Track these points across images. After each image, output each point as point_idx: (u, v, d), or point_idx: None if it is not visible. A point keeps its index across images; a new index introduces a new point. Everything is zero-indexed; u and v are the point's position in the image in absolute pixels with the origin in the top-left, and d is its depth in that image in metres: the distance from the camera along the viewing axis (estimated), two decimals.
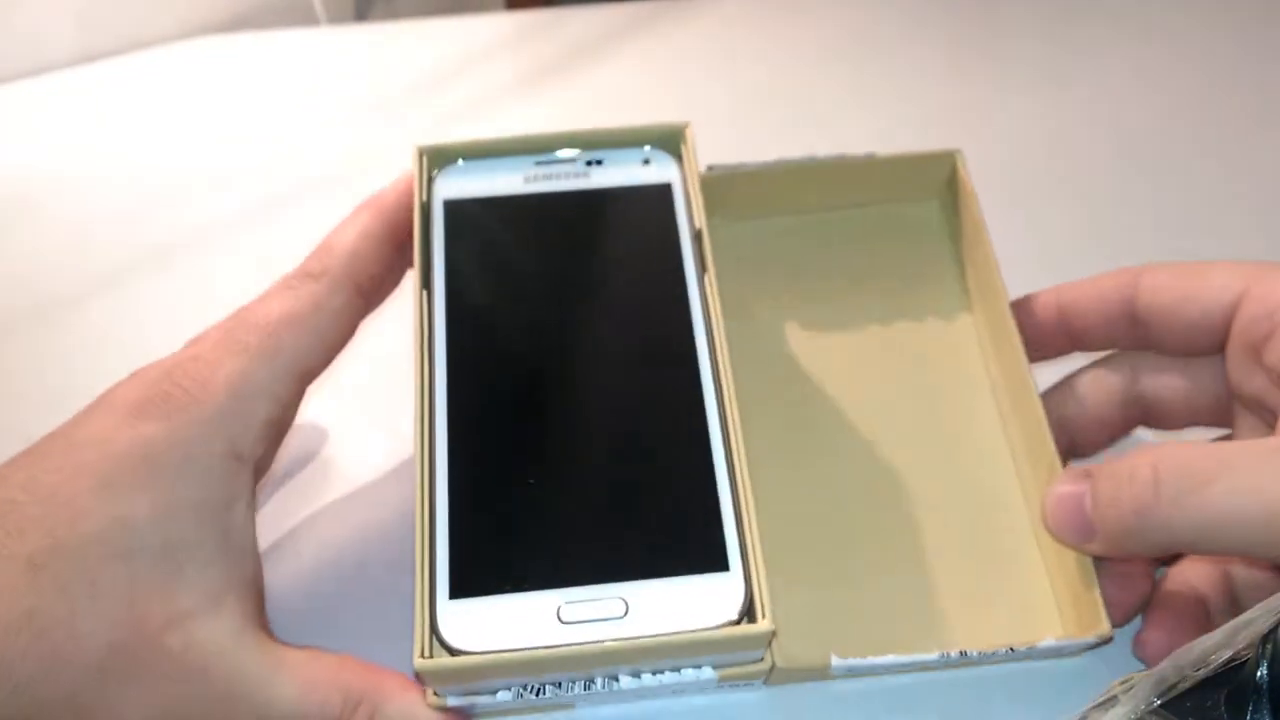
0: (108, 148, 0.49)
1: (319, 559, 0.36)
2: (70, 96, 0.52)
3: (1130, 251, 0.43)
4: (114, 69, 0.52)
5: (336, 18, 0.61)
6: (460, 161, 0.36)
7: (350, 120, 0.50)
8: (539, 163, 0.36)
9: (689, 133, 0.36)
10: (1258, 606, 0.26)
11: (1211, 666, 0.26)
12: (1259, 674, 0.26)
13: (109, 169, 0.48)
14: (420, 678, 0.29)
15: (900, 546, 0.34)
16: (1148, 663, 0.32)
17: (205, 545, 0.29)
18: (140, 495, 0.28)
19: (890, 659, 0.30)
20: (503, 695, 0.29)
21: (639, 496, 0.30)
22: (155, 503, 0.28)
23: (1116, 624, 0.31)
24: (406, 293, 0.34)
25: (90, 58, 0.53)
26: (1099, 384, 0.35)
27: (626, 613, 0.28)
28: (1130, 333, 0.34)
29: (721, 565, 0.29)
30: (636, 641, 0.28)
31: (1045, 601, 0.33)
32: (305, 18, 0.59)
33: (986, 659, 0.31)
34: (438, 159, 0.36)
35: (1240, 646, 0.26)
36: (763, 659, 0.30)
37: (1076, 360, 0.36)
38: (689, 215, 0.35)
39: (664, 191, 0.35)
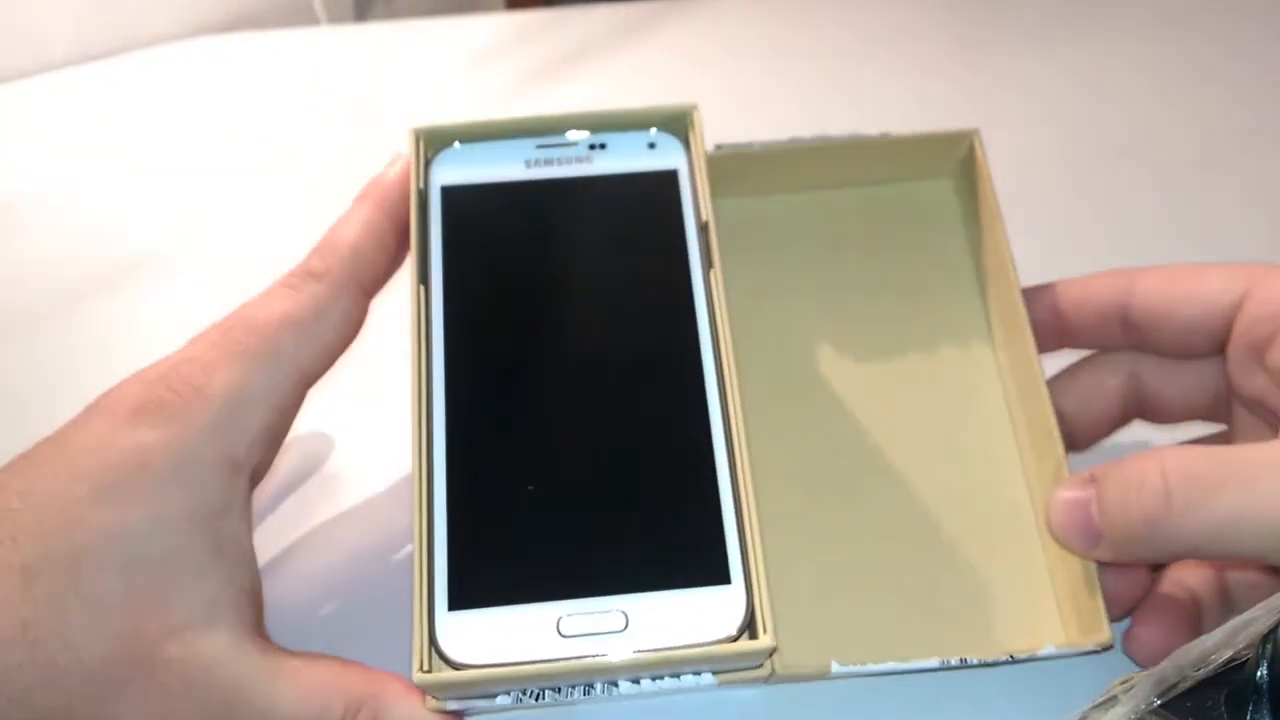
0: (108, 148, 0.49)
1: (319, 566, 0.36)
2: (70, 96, 0.51)
3: (1142, 244, 0.43)
4: (114, 69, 0.52)
5: (336, 18, 0.61)
6: (457, 144, 0.35)
7: (350, 120, 0.50)
8: (540, 146, 0.35)
9: (696, 115, 0.35)
10: (1258, 606, 0.26)
11: (1211, 666, 0.26)
12: (1259, 674, 0.26)
13: (109, 169, 0.48)
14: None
15: (902, 547, 0.34)
16: (1137, 660, 0.31)
17: (201, 555, 0.29)
18: (135, 505, 0.28)
19: (890, 666, 0.30)
20: (502, 699, 0.29)
21: (640, 506, 0.30)
22: (150, 512, 0.28)
23: (1115, 618, 0.31)
24: (407, 289, 0.34)
25: (90, 58, 0.53)
26: (1098, 378, 0.35)
27: (626, 626, 0.28)
28: (1122, 335, 0.34)
29: (723, 578, 0.29)
30: (636, 657, 0.27)
31: (1047, 605, 0.33)
32: (305, 18, 0.59)
33: (986, 666, 0.31)
34: (435, 141, 0.35)
35: (1240, 646, 0.26)
36: (762, 666, 0.30)
37: (1071, 352, 0.36)
38: (695, 206, 0.34)
39: (669, 178, 0.34)
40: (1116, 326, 0.34)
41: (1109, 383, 0.35)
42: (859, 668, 0.30)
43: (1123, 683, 0.28)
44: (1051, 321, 0.35)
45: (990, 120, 0.37)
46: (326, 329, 0.31)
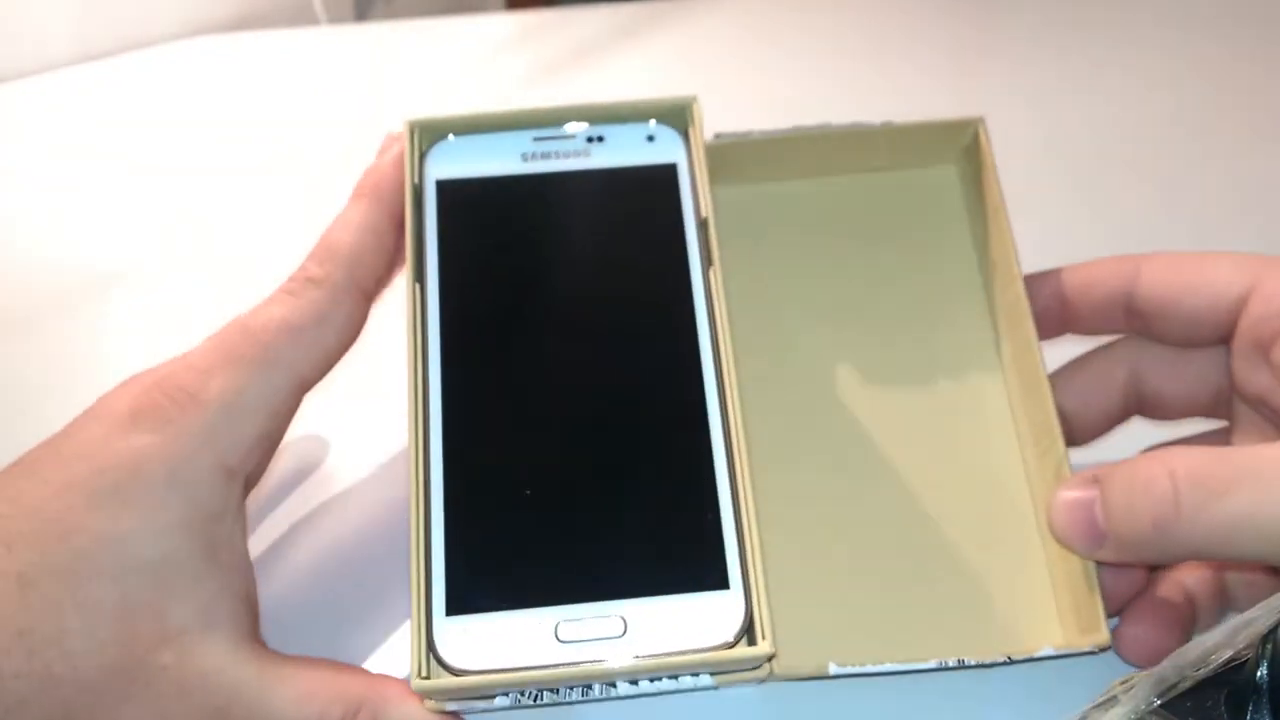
0: (107, 148, 0.49)
1: (316, 571, 0.36)
2: (70, 96, 0.51)
3: (1144, 233, 0.43)
4: (114, 69, 0.52)
5: (336, 18, 0.61)
6: (452, 137, 0.34)
7: (350, 120, 0.50)
8: (537, 139, 0.34)
9: (696, 108, 0.34)
10: (1258, 606, 0.26)
11: (1211, 666, 0.26)
12: (1259, 674, 0.26)
13: (109, 169, 0.48)
14: None
15: (901, 546, 0.34)
16: (1126, 660, 0.31)
17: (196, 561, 0.28)
18: (130, 511, 0.28)
19: (888, 666, 0.30)
20: (500, 700, 0.29)
21: (638, 510, 0.29)
22: (145, 519, 0.28)
23: (1112, 613, 0.31)
24: (403, 288, 0.34)
25: (90, 58, 0.53)
26: (1099, 374, 0.35)
27: (625, 631, 0.28)
28: (1126, 321, 0.34)
29: (721, 583, 0.28)
30: (634, 663, 0.27)
31: (1046, 605, 0.33)
32: (305, 18, 0.59)
33: (984, 668, 0.31)
34: (430, 134, 0.34)
35: (1240, 646, 0.26)
36: (760, 668, 0.30)
37: (1073, 342, 0.36)
38: (695, 201, 0.33)
39: (669, 173, 0.34)
40: (1120, 313, 0.33)
41: (1110, 379, 0.34)
42: (857, 668, 0.30)
43: (1123, 683, 0.28)
44: (1055, 308, 0.34)
45: (994, 112, 0.37)
46: (326, 334, 0.31)
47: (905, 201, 0.38)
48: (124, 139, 0.50)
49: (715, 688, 0.30)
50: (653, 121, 0.35)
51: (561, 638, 0.28)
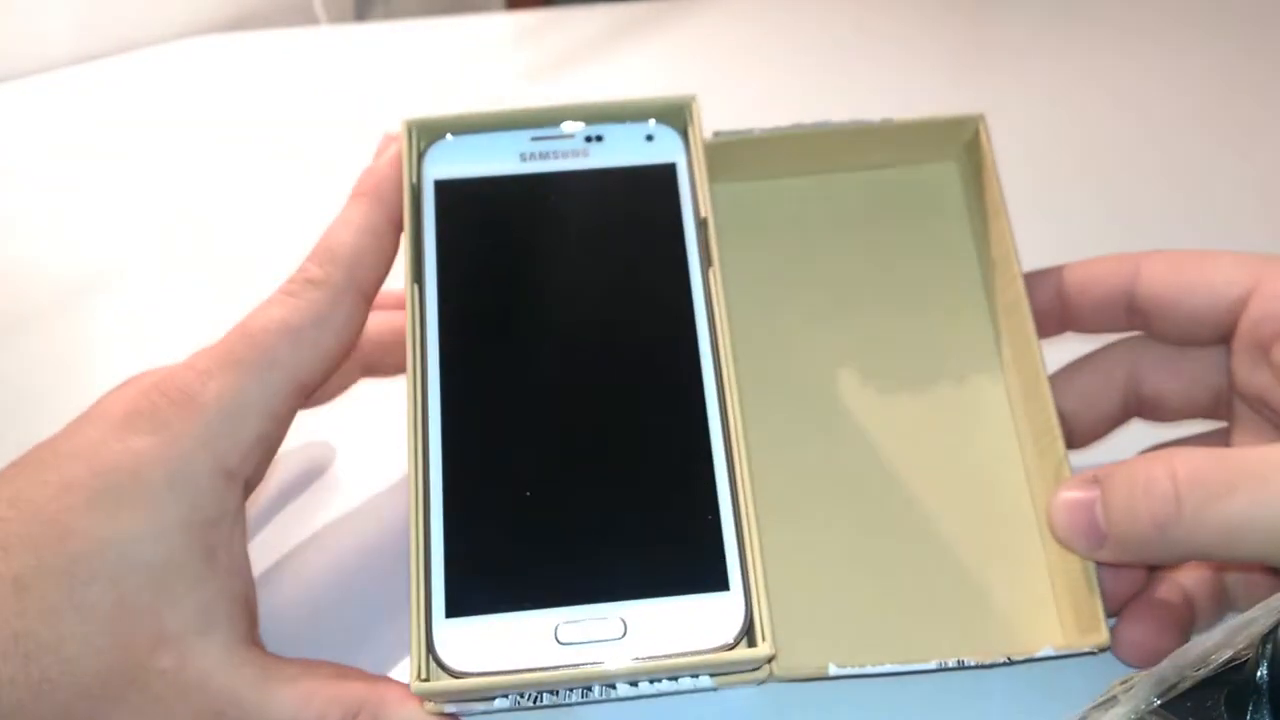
0: (108, 148, 0.49)
1: (315, 573, 0.36)
2: (70, 96, 0.51)
3: (1146, 230, 0.43)
4: (114, 69, 0.52)
5: (336, 18, 0.61)
6: (449, 136, 0.34)
7: (350, 120, 0.50)
8: (535, 138, 0.34)
9: (695, 107, 0.34)
10: (1258, 606, 0.26)
11: (1211, 666, 0.26)
12: (1259, 674, 0.26)
13: (109, 169, 0.48)
14: None
15: (902, 546, 0.34)
16: (1123, 660, 0.31)
17: (193, 564, 0.28)
18: (127, 514, 0.28)
19: (888, 667, 0.30)
20: (499, 702, 0.29)
21: (638, 511, 0.29)
22: (142, 522, 0.28)
23: (1111, 613, 0.31)
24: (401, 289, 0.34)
25: (90, 58, 0.53)
26: (1098, 376, 0.35)
27: (625, 633, 0.28)
28: (1126, 320, 0.34)
29: (721, 585, 0.28)
30: (634, 665, 0.27)
31: (1045, 605, 0.33)
32: (305, 18, 0.59)
33: (984, 668, 0.31)
34: (427, 133, 0.34)
35: (1240, 646, 0.26)
36: (760, 669, 0.30)
37: (1074, 342, 0.36)
38: (694, 202, 0.33)
39: (668, 172, 0.34)
40: (1121, 312, 0.33)
41: (1110, 380, 0.34)
42: (856, 669, 0.30)
43: (1123, 683, 0.28)
44: (1055, 306, 0.34)
45: (994, 109, 0.37)
46: (326, 336, 0.31)
47: (905, 198, 0.38)
48: (124, 139, 0.50)
49: (715, 689, 0.30)
50: (652, 121, 0.34)
51: (561, 639, 0.28)
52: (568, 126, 0.34)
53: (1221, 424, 0.34)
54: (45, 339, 0.43)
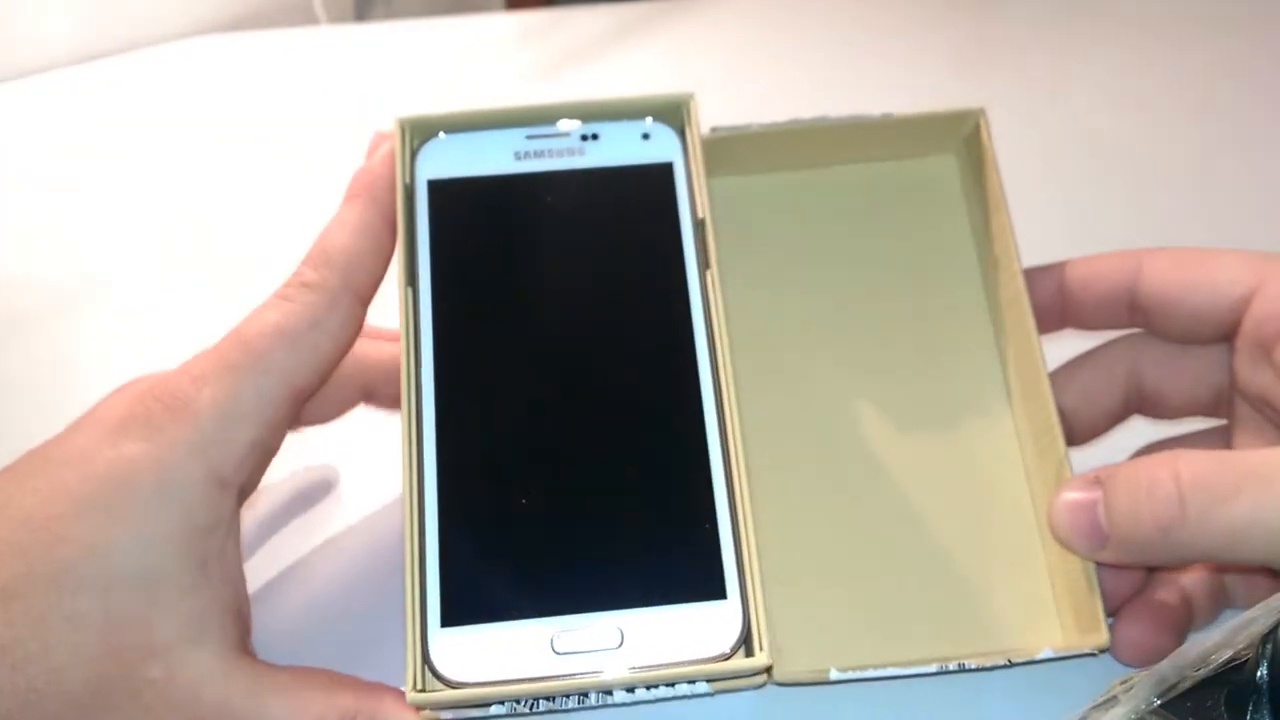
0: (108, 148, 0.49)
1: (310, 582, 0.36)
2: (70, 96, 0.51)
3: (1147, 228, 0.43)
4: (114, 69, 0.52)
5: (336, 18, 0.61)
6: (442, 135, 0.33)
7: (350, 120, 0.50)
8: (530, 136, 0.33)
9: (693, 105, 0.33)
10: (1258, 606, 0.26)
11: (1211, 666, 0.26)
12: (1259, 674, 0.26)
13: (109, 169, 0.48)
14: None
15: (901, 547, 0.34)
16: (1121, 661, 0.31)
17: (184, 573, 0.28)
18: (118, 522, 0.27)
19: (889, 671, 0.30)
20: (496, 709, 0.29)
21: (635, 519, 0.29)
22: (133, 530, 0.27)
23: (1110, 613, 0.31)
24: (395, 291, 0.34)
25: (90, 58, 0.53)
26: (1100, 372, 0.34)
27: (622, 643, 0.28)
28: (1128, 317, 0.33)
29: (719, 593, 0.28)
30: (631, 674, 0.27)
31: (1045, 606, 0.33)
32: (305, 18, 0.59)
33: (984, 670, 0.31)
34: (421, 132, 0.33)
35: (1240, 646, 0.26)
36: (757, 675, 0.29)
37: (1075, 338, 0.35)
38: (692, 202, 0.33)
39: (665, 172, 0.33)
40: (1123, 309, 0.33)
41: (1111, 377, 0.34)
42: (857, 673, 0.30)
43: (1123, 683, 0.28)
44: (1056, 302, 0.34)
45: (994, 105, 0.37)
46: (322, 340, 0.30)
47: (905, 193, 0.38)
48: (124, 139, 0.50)
49: (712, 695, 0.30)
50: (648, 119, 0.34)
51: (558, 649, 0.28)
52: (563, 125, 0.34)
53: (1222, 421, 0.34)
54: (45, 339, 0.43)
